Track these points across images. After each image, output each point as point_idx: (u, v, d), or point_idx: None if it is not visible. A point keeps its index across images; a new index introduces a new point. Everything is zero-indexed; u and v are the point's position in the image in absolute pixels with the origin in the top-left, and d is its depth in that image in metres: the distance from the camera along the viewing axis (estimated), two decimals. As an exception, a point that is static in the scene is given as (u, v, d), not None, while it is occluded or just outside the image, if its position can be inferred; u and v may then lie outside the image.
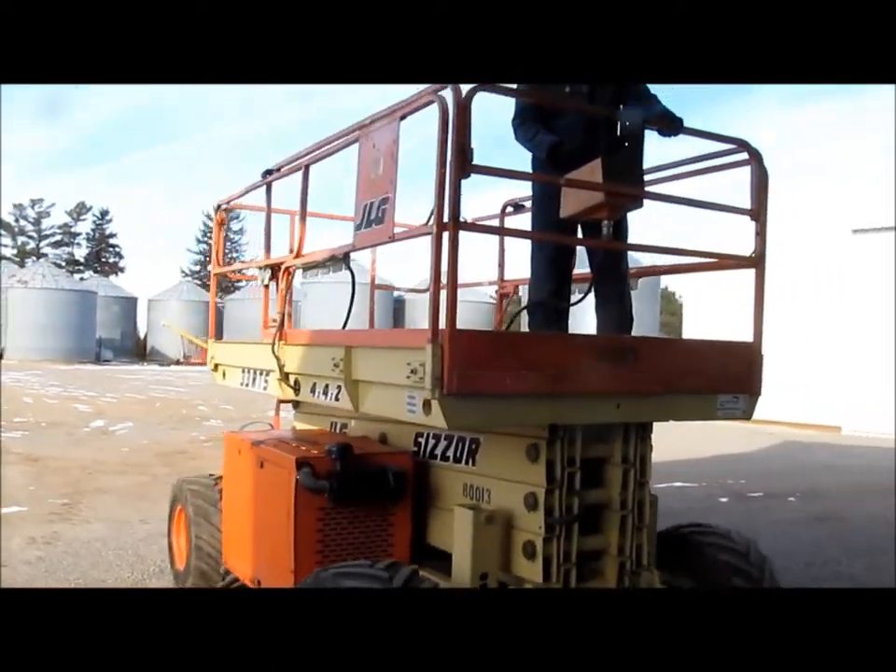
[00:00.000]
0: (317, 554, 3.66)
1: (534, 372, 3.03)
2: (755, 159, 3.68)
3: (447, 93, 2.90)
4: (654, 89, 4.03)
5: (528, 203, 5.16)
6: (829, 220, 16.34)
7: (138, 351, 54.36)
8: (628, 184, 3.38)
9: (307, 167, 3.99)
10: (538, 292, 3.89)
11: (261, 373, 4.57)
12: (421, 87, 3.11)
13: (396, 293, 51.79)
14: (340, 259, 3.74)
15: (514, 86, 3.78)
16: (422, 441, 4.03)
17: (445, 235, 2.87)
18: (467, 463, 3.72)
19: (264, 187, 4.54)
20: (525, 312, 4.28)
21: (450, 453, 3.83)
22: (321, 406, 4.73)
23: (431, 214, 3.00)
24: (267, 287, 4.59)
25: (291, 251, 4.90)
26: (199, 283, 65.47)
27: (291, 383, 4.14)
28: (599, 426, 3.42)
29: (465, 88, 2.92)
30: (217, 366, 5.24)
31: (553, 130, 3.78)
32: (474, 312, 38.40)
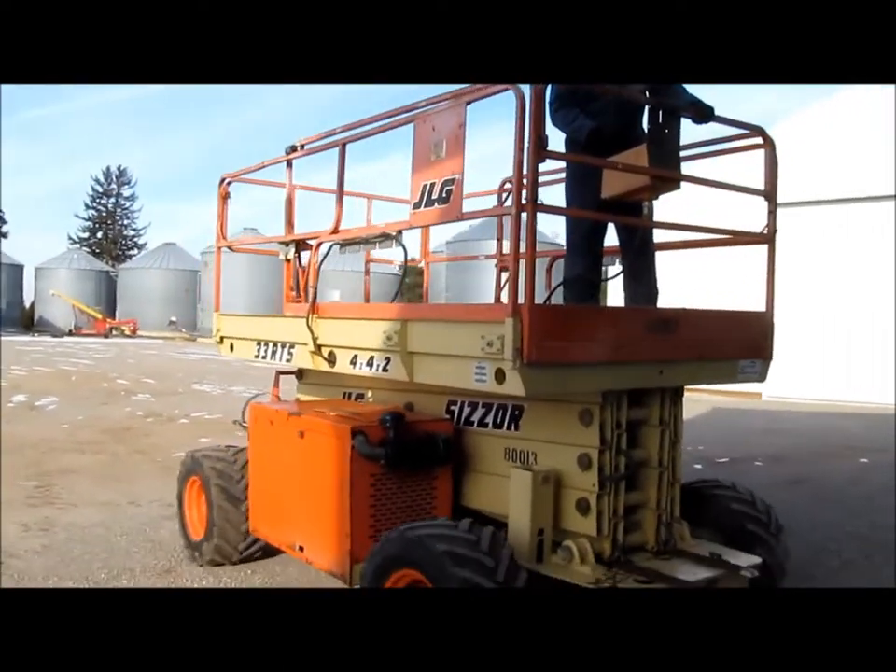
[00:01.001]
0: (370, 518, 3.85)
1: (597, 342, 3.31)
2: (769, 145, 4.02)
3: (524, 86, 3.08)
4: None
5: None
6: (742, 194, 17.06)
7: (25, 321, 52.01)
8: (670, 168, 3.65)
9: (344, 145, 4.09)
10: (575, 267, 4.13)
11: (284, 346, 4.66)
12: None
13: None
14: (392, 237, 3.88)
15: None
16: (455, 409, 4.23)
17: (524, 215, 3.08)
18: (509, 428, 3.95)
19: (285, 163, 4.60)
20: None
21: (489, 419, 4.05)
22: (329, 377, 4.87)
23: (508, 195, 3.19)
24: (289, 261, 4.67)
25: (290, 225, 4.99)
26: (88, 251, 63.01)
27: (325, 355, 4.26)
28: (641, 391, 3.72)
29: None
30: (222, 339, 5.28)
31: (589, 113, 4.01)
32: (379, 284, 38.38)
